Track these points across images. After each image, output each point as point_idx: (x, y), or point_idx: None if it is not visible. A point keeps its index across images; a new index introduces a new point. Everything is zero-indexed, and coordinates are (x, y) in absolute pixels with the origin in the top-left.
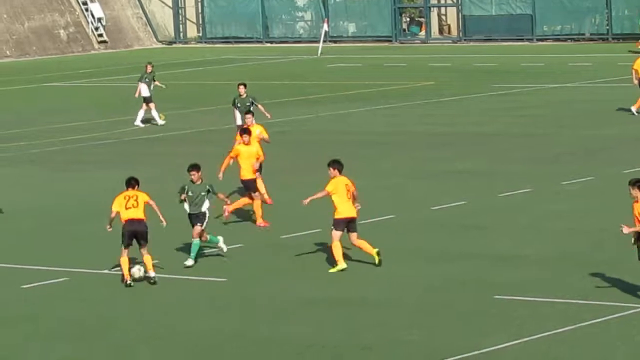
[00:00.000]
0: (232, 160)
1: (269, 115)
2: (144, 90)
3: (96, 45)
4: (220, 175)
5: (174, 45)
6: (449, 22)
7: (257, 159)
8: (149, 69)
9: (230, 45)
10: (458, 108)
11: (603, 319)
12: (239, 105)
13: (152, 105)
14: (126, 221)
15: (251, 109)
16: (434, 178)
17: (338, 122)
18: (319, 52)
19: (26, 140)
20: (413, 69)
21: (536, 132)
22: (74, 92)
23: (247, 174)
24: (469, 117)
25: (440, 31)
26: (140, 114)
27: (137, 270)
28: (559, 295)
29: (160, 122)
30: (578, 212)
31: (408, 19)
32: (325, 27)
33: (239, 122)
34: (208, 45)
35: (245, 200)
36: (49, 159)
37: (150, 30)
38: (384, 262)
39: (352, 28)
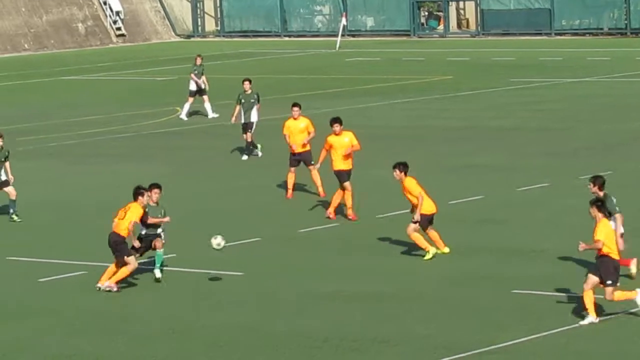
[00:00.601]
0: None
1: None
2: (192, 82)
3: (114, 39)
4: (318, 165)
5: (192, 39)
6: (467, 16)
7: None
8: (199, 61)
9: (249, 39)
10: (476, 102)
11: (621, 313)
12: (243, 101)
13: (205, 97)
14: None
15: (255, 105)
16: (451, 172)
17: (356, 116)
18: (337, 46)
19: (44, 133)
20: (431, 63)
21: (554, 126)
22: (92, 85)
23: (339, 164)
24: (486, 112)
25: (459, 25)
26: (208, 106)
27: (219, 242)
28: (577, 290)
29: (183, 114)
30: None
31: (426, 13)
32: (344, 21)
33: (241, 119)
34: (226, 39)
35: (340, 194)
36: (67, 152)
37: (169, 24)
38: (401, 256)
39: (370, 22)
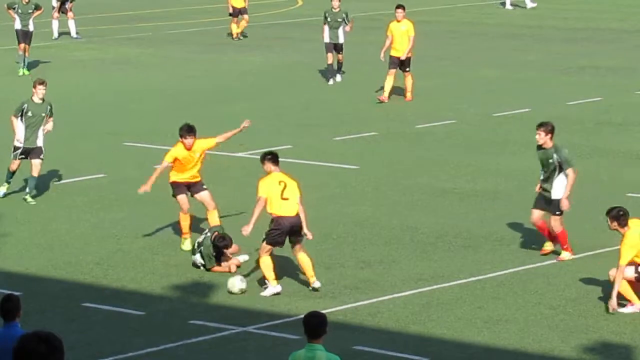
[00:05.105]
0: None
1: (348, 28)
2: None
3: None
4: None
5: None
6: None
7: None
8: None
9: None
10: (597, 3)
11: None
12: (329, 19)
13: None
14: None
15: (341, 26)
16: (571, 73)
17: (475, 14)
18: None
19: (164, 20)
20: None
21: None
22: None
23: (396, 51)
24: (607, 13)
25: None
26: None
27: (240, 282)
28: None
29: (531, 4)
30: None
31: None
32: None
33: (326, 39)
34: None
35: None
36: (188, 40)
37: None
38: (518, 155)
39: None
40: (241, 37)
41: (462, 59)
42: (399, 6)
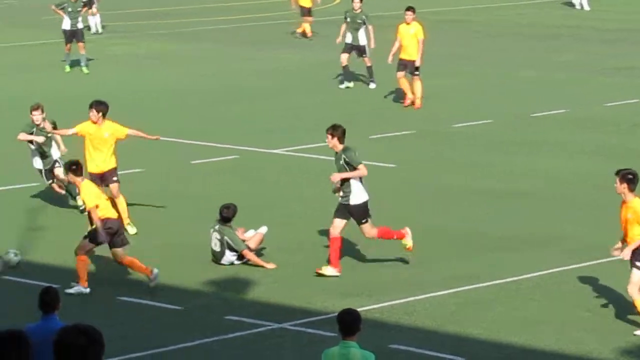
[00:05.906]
0: None
1: (372, 38)
2: None
3: None
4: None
5: None
6: None
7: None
8: None
9: None
10: (636, 4)
11: None
12: (349, 20)
13: None
14: None
15: (362, 27)
16: (609, 74)
17: (510, 14)
18: None
19: (179, 17)
20: None
21: None
22: None
23: (404, 54)
24: None
25: None
26: None
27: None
28: None
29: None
30: None
31: None
32: None
33: (347, 39)
34: None
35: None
36: (224, 38)
37: None
38: (552, 155)
39: None
40: (300, 37)
41: (499, 59)
42: (408, 8)
